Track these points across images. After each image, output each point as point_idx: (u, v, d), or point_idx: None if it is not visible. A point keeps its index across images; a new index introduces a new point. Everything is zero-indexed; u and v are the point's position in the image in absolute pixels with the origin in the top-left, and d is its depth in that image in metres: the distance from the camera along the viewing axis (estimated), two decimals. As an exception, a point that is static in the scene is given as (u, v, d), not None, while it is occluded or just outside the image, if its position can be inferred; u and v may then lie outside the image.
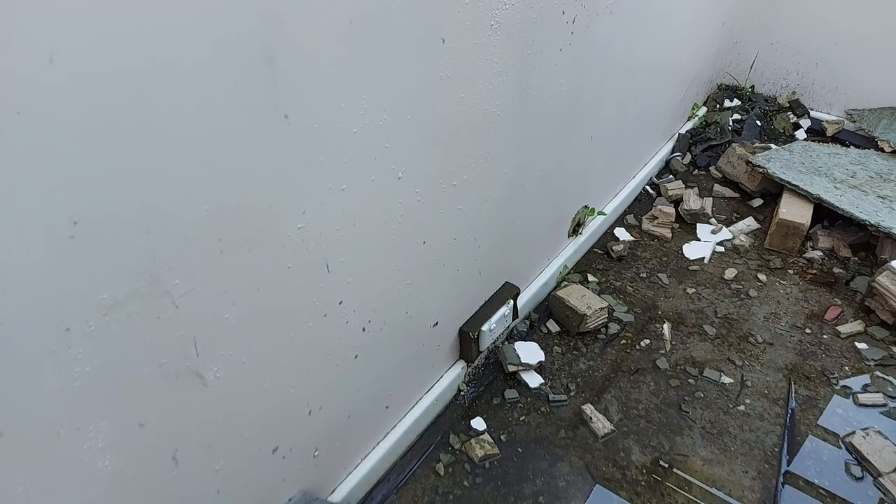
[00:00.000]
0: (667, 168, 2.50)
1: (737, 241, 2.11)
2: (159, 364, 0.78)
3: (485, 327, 1.54)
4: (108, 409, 0.74)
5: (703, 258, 2.06)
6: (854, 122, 2.62)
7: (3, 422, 0.63)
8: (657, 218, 2.17)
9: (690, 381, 1.64)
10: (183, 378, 0.83)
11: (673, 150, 2.53)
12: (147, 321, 0.74)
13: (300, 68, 0.78)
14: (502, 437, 1.50)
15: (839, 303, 1.86)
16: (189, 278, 0.76)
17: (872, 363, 1.67)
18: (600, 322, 1.77)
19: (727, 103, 2.77)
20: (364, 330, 1.16)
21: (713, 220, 2.21)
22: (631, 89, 1.87)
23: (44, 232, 0.59)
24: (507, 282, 1.64)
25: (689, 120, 2.66)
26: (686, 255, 2.07)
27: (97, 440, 0.75)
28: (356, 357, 1.18)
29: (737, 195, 2.36)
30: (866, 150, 2.44)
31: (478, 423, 1.53)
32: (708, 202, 2.24)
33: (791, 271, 2.00)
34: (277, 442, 1.07)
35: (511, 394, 1.60)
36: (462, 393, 1.60)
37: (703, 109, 2.75)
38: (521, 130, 1.37)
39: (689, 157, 2.53)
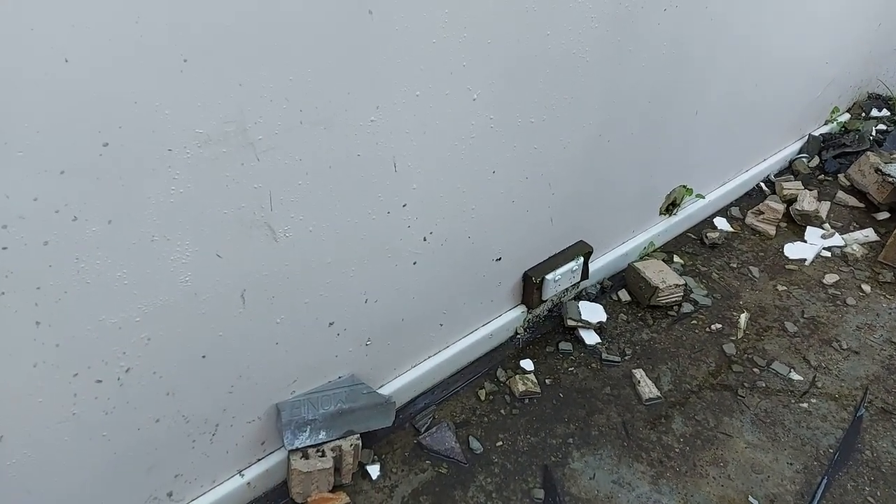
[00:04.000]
0: (789, 168, 2.37)
1: (847, 250, 1.98)
2: (238, 206, 0.95)
3: (549, 276, 1.60)
4: (194, 232, 0.92)
5: (805, 259, 1.95)
6: None
7: (112, 214, 0.82)
8: (763, 213, 2.08)
9: (755, 370, 1.59)
10: (256, 227, 0.99)
11: (800, 151, 2.39)
12: (232, 164, 0.90)
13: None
14: (547, 380, 1.56)
15: (952, 329, 1.70)
16: (270, 137, 0.92)
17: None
18: (673, 299, 1.76)
19: (874, 112, 2.55)
20: (425, 239, 1.28)
21: (826, 224, 2.08)
22: (748, 73, 1.81)
23: (159, 64, 0.76)
24: (581, 240, 1.68)
25: (825, 123, 2.49)
26: (786, 254, 1.98)
27: (182, 256, 0.93)
28: (415, 263, 1.30)
29: (862, 205, 2.20)
30: None
31: (527, 364, 1.60)
32: (825, 206, 2.11)
33: (900, 288, 1.84)
34: (334, 318, 1.22)
35: (565, 346, 1.65)
36: (518, 335, 1.67)
37: (846, 115, 2.56)
38: (611, 83, 1.41)
39: (816, 160, 2.38)
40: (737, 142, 2.03)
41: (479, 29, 1.07)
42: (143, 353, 0.96)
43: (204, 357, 1.05)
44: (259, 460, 1.27)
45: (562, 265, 1.62)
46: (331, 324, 1.23)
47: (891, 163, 2.14)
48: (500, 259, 1.50)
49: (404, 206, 1.19)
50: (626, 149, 1.59)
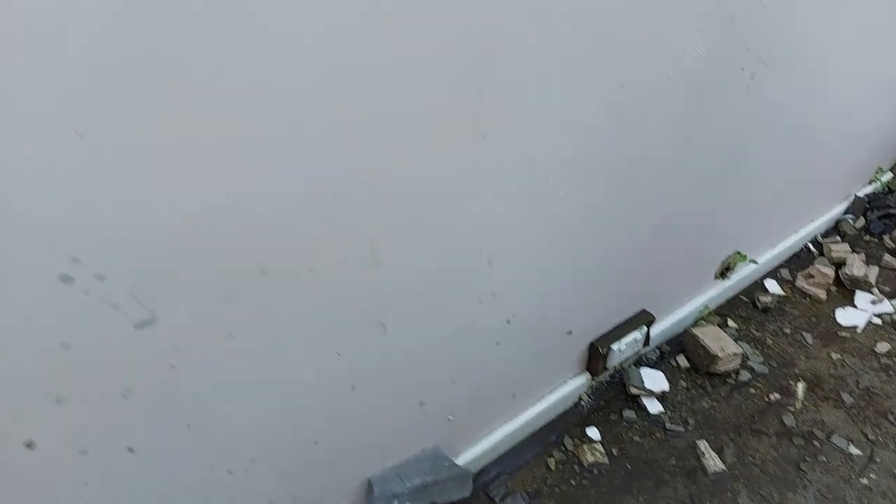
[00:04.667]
0: (835, 229, 2.42)
1: (898, 317, 2.02)
2: (360, 310, 1.02)
3: (615, 346, 1.65)
4: (323, 334, 0.99)
5: (856, 327, 1.99)
6: None
7: (252, 324, 0.90)
8: (813, 277, 2.13)
9: (815, 443, 1.63)
10: (371, 326, 1.06)
11: (846, 212, 2.44)
12: (360, 278, 0.98)
13: (500, 104, 0.98)
14: (613, 450, 1.61)
15: None
16: (391, 256, 1.00)
17: None
18: (732, 367, 1.81)
19: (920, 172, 2.59)
20: (508, 322, 1.35)
21: (875, 289, 2.12)
22: (801, 145, 1.87)
23: (321, 211, 0.84)
24: (643, 308, 1.74)
25: (870, 183, 2.54)
26: (837, 320, 2.02)
27: (308, 356, 1.00)
28: (497, 344, 1.36)
29: (909, 271, 2.24)
30: None
31: (593, 433, 1.65)
32: (873, 271, 2.15)
33: (957, 359, 1.88)
34: (424, 397, 1.29)
35: (629, 414, 1.70)
36: (582, 402, 1.72)
37: (889, 175, 2.60)
38: (680, 173, 1.48)
39: (862, 221, 2.42)
40: (787, 206, 2.09)
41: (574, 137, 1.15)
42: (266, 445, 1.03)
43: (315, 443, 1.12)
44: (350, 532, 1.33)
45: (626, 334, 1.68)
46: (422, 403, 1.30)
47: (939, 229, 2.18)
48: (570, 332, 1.56)
49: (493, 294, 1.26)
50: (688, 222, 1.65)
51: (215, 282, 0.82)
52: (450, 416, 1.40)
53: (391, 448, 1.31)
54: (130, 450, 0.87)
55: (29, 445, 0.77)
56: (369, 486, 1.30)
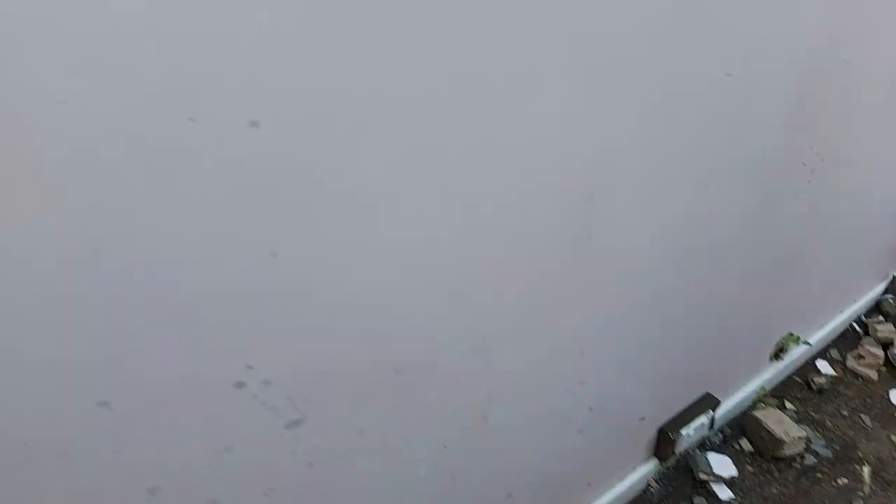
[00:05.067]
0: (877, 308, 2.46)
1: (952, 398, 2.03)
2: (468, 404, 1.06)
3: (684, 431, 1.66)
4: (434, 430, 1.02)
5: (913, 408, 2.00)
6: None
7: (381, 425, 0.93)
8: (864, 357, 2.15)
9: (892, 529, 1.62)
10: (476, 419, 1.09)
11: (884, 292, 2.49)
12: (472, 370, 1.02)
13: (608, 227, 1.05)
14: (689, 539, 1.60)
15: None
16: (502, 348, 1.04)
17: None
18: (797, 451, 1.81)
19: (951, 251, 2.66)
20: (591, 410, 1.37)
21: (927, 370, 2.14)
22: (848, 231, 1.95)
23: (451, 323, 0.89)
24: (707, 392, 1.76)
25: (904, 264, 2.61)
26: (892, 401, 2.03)
27: (422, 452, 1.03)
28: (579, 432, 1.38)
29: (956, 349, 2.26)
30: None
31: (665, 521, 1.64)
32: (922, 351, 2.18)
33: None
34: (512, 489, 1.30)
35: (699, 501, 1.69)
36: (651, 489, 1.72)
37: (922, 255, 2.67)
38: (745, 259, 1.54)
39: (902, 300, 2.47)
40: (834, 287, 2.14)
41: (660, 234, 1.21)
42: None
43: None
44: None
45: (694, 419, 1.69)
46: (509, 495, 1.30)
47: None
48: (643, 418, 1.58)
49: (582, 383, 1.29)
50: (747, 306, 1.70)
51: (358, 381, 0.86)
52: (533, 505, 1.40)
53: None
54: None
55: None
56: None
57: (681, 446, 1.70)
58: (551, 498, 1.43)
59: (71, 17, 0.47)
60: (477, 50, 0.72)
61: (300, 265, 0.70)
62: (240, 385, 0.74)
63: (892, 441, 1.89)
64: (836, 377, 2.14)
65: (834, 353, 2.24)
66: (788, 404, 2.01)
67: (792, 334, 2.02)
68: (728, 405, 1.89)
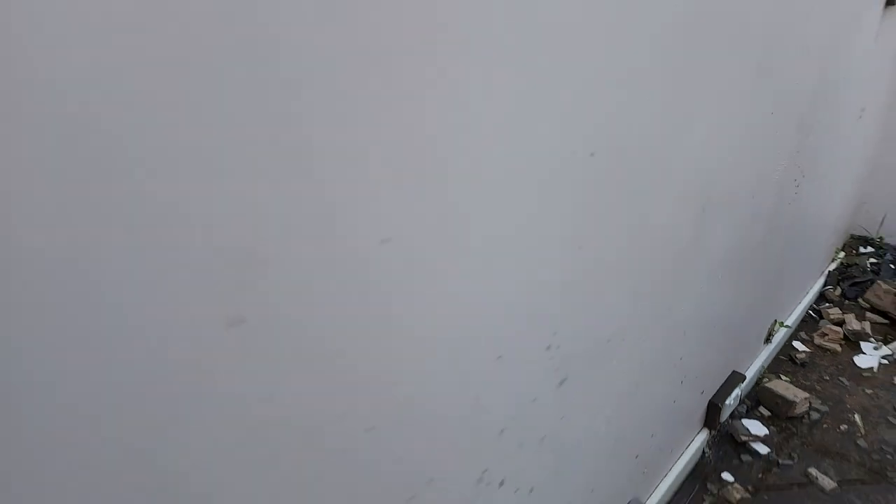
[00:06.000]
0: (823, 297, 3.04)
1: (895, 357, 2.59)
2: (627, 382, 1.39)
3: (727, 401, 2.06)
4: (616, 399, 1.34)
5: (872, 367, 2.54)
6: (977, 266, 3.13)
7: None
8: (827, 335, 2.69)
9: (888, 456, 2.08)
10: (629, 386, 1.42)
11: (825, 284, 3.09)
12: (613, 356, 1.35)
13: (709, 233, 1.45)
14: (749, 487, 1.97)
15: None
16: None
17: None
18: (804, 410, 2.26)
19: (861, 249, 3.34)
20: (682, 382, 1.73)
21: (872, 339, 2.71)
22: (809, 235, 2.50)
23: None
24: (734, 370, 2.18)
25: (832, 261, 3.24)
26: (857, 365, 2.56)
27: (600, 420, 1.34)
28: (674, 402, 1.74)
29: (886, 322, 2.86)
30: None
31: (727, 477, 2.01)
32: (866, 324, 2.75)
33: (951, 382, 2.45)
34: (640, 451, 1.62)
35: (747, 458, 2.08)
36: (707, 455, 2.09)
37: (842, 253, 3.33)
38: (752, 267, 2.00)
39: (839, 290, 3.08)
40: (798, 282, 2.68)
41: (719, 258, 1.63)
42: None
43: (592, 492, 1.42)
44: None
45: (731, 392, 2.10)
46: (637, 456, 1.62)
47: (902, 287, 2.85)
48: (703, 392, 1.96)
49: (681, 358, 1.66)
50: (754, 302, 2.16)
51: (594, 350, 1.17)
52: (644, 470, 1.72)
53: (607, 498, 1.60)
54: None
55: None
56: (610, 531, 1.57)
57: (725, 415, 2.09)
58: (654, 463, 1.76)
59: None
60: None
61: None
62: (549, 348, 1.04)
63: (867, 394, 2.39)
64: (810, 352, 2.65)
65: (803, 334, 2.77)
66: (783, 377, 2.48)
67: (776, 321, 2.51)
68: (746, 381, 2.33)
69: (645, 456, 1.67)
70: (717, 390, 2.10)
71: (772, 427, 2.22)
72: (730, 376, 2.16)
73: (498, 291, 0.81)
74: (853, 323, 2.74)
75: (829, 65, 1.81)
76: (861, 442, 2.15)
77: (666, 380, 1.60)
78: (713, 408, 2.05)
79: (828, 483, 1.96)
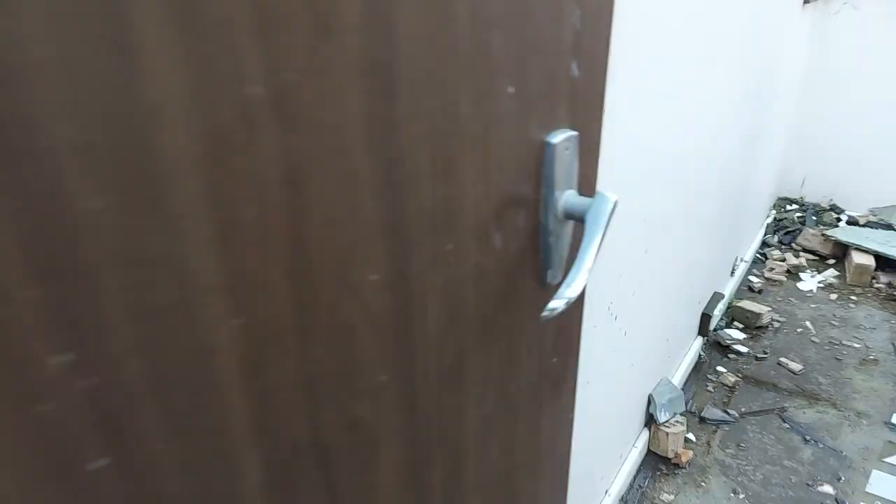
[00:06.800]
0: (764, 243, 3.69)
1: (828, 282, 3.24)
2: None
3: (715, 311, 2.60)
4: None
5: (812, 290, 3.17)
6: (875, 216, 3.89)
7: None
8: (774, 269, 3.31)
9: (836, 346, 2.68)
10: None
11: (765, 233, 3.74)
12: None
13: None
14: (738, 374, 2.50)
15: (909, 308, 2.96)
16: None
17: (942, 333, 2.73)
18: (767, 321, 2.83)
19: (788, 207, 4.04)
20: (698, 302, 2.23)
21: (808, 271, 3.36)
22: (748, 197, 3.10)
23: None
24: (715, 291, 2.73)
25: (768, 217, 3.91)
26: (801, 289, 3.19)
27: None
28: (687, 315, 2.24)
29: (816, 258, 3.54)
30: (888, 230, 3.67)
31: (721, 369, 2.53)
32: (801, 260, 3.41)
33: (869, 295, 3.11)
34: (669, 335, 2.10)
35: (732, 356, 2.61)
36: (702, 357, 2.61)
37: (773, 211, 4.02)
38: (724, 209, 2.55)
39: (776, 237, 3.74)
40: (749, 228, 3.29)
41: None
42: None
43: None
44: None
45: (715, 307, 2.64)
46: (667, 340, 2.10)
47: (824, 232, 3.53)
48: (700, 302, 2.48)
49: (690, 284, 2.16)
50: (726, 241, 2.72)
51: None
52: (667, 338, 2.19)
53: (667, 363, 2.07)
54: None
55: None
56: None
57: (712, 324, 2.62)
58: (669, 357, 2.25)
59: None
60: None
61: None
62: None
63: (812, 308, 3.01)
64: (763, 282, 3.26)
65: (755, 271, 3.38)
66: (748, 299, 3.06)
67: (738, 257, 3.09)
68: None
69: (672, 341, 2.14)
70: (707, 304, 2.63)
71: (746, 334, 2.78)
72: (713, 294, 2.70)
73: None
74: (792, 260, 3.38)
75: (769, 64, 2.39)
76: (814, 339, 2.74)
77: (682, 293, 2.09)
78: (705, 318, 2.58)
79: (796, 367, 2.52)
